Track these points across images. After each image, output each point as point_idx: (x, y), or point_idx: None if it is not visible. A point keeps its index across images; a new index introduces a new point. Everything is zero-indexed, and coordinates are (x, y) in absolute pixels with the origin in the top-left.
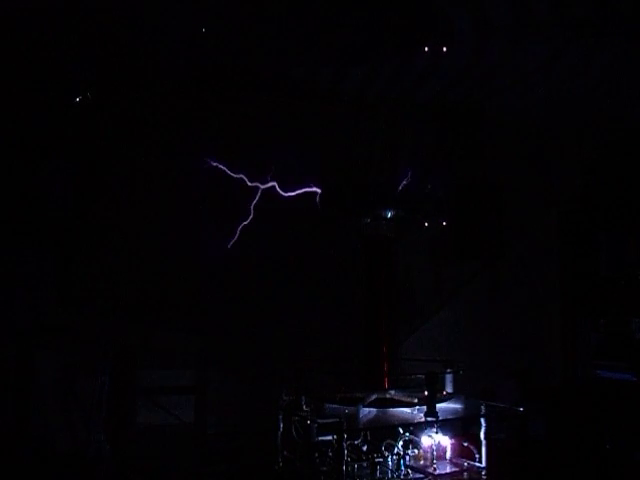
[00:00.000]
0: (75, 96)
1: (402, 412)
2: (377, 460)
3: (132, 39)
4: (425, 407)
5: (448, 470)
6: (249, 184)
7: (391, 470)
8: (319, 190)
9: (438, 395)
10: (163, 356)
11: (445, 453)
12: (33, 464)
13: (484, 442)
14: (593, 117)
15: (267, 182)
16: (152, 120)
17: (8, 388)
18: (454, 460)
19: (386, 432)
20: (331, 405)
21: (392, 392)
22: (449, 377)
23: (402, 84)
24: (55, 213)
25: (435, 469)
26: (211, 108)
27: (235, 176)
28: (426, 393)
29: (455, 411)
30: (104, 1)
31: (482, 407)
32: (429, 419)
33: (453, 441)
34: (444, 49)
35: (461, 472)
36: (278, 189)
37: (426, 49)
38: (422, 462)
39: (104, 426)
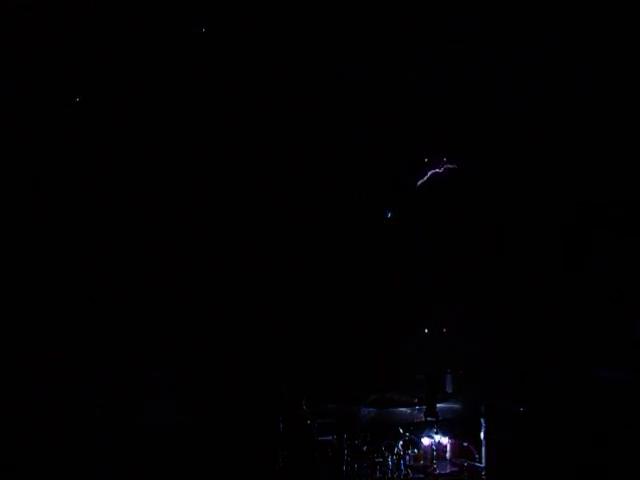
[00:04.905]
0: (75, 96)
1: (402, 412)
2: (377, 460)
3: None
4: (425, 407)
5: (448, 470)
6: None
7: (391, 470)
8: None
9: (438, 395)
10: (163, 356)
11: (445, 453)
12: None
13: (484, 442)
14: (594, 116)
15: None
16: (152, 119)
17: None
18: (454, 460)
19: (386, 432)
20: (331, 405)
21: (392, 392)
22: (449, 377)
23: (402, 84)
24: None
25: (435, 469)
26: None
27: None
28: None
29: (455, 411)
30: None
31: (482, 407)
32: (429, 419)
33: (453, 441)
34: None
35: (461, 472)
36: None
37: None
38: (422, 462)
39: (104, 426)
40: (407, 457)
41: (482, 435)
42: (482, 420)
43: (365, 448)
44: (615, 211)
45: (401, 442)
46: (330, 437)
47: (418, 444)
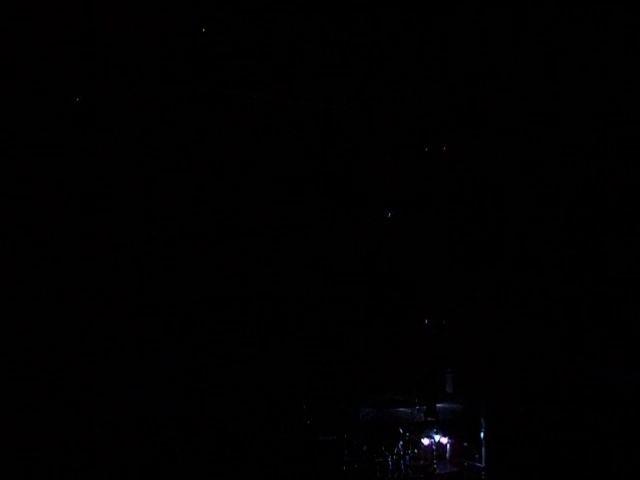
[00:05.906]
0: (75, 96)
1: (402, 412)
2: (377, 460)
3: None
4: (425, 407)
5: (448, 470)
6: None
7: (391, 470)
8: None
9: (438, 395)
10: (163, 356)
11: (445, 453)
12: None
13: (484, 442)
14: (594, 114)
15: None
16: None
17: None
18: (454, 460)
19: (386, 432)
20: (332, 405)
21: (392, 392)
22: (449, 377)
23: (401, 83)
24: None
25: (435, 469)
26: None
27: None
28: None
29: (455, 411)
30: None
31: (482, 407)
32: (429, 419)
33: (453, 441)
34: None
35: (461, 472)
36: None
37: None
38: (422, 462)
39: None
40: (407, 457)
41: (482, 435)
42: (482, 420)
43: (365, 448)
44: (615, 210)
45: (401, 442)
46: (330, 437)
47: (418, 444)
